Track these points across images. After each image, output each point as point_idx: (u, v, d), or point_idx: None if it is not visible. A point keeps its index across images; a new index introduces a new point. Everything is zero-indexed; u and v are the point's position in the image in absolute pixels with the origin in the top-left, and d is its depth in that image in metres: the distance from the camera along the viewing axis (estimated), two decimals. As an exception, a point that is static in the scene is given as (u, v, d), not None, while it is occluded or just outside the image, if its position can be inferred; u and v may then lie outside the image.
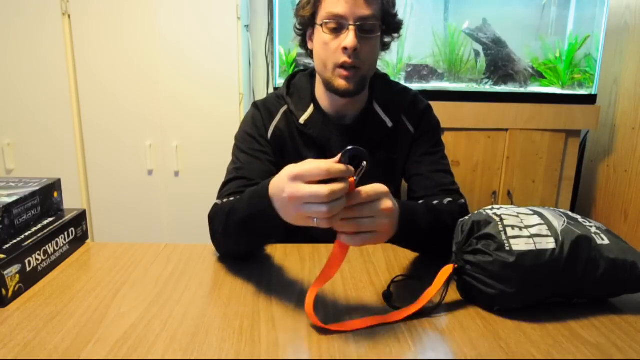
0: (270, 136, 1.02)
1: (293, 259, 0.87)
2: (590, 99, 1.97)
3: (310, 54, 1.03)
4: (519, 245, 0.67)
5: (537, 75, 2.07)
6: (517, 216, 0.72)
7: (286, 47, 1.96)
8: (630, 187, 1.96)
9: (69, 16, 1.72)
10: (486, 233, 0.70)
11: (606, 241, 0.71)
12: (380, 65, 2.01)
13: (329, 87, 0.97)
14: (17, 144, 1.81)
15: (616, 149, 2.04)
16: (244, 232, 0.78)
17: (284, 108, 1.04)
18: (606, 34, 2.00)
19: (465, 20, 2.01)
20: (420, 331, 0.65)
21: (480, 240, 0.71)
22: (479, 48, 2.03)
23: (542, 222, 0.71)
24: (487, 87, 2.04)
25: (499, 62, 2.02)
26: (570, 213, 0.76)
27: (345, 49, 0.91)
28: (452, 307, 0.71)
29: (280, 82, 1.94)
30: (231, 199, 0.86)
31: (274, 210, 0.67)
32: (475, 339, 0.63)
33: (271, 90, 2.08)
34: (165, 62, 1.77)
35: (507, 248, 0.67)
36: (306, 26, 1.00)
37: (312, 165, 0.62)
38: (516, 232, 0.69)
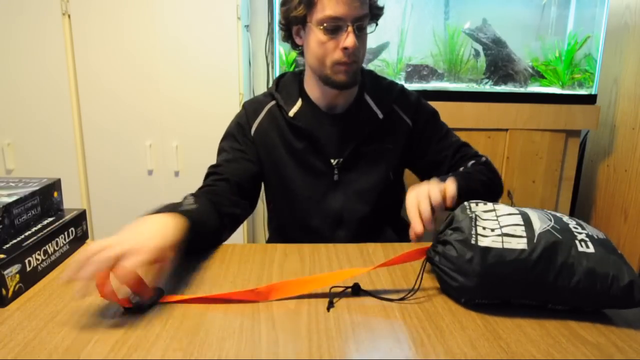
0: (254, 133, 1.06)
1: (293, 259, 0.87)
2: (590, 99, 1.97)
3: (295, 47, 1.07)
4: (485, 242, 0.68)
5: (537, 75, 2.07)
6: (496, 217, 0.72)
7: (286, 47, 1.96)
8: (630, 187, 1.96)
9: (69, 16, 1.72)
10: (457, 226, 0.72)
11: (590, 249, 0.68)
12: (381, 66, 2.01)
13: (327, 82, 1.01)
14: (17, 144, 1.81)
15: (616, 149, 2.04)
16: None
17: (271, 104, 1.08)
18: (606, 34, 2.00)
19: (465, 20, 2.01)
20: (420, 331, 0.65)
21: (452, 232, 0.73)
22: (479, 48, 2.03)
23: (521, 223, 0.70)
24: (487, 87, 2.04)
25: (499, 62, 2.02)
26: (565, 217, 0.75)
27: (345, 48, 0.95)
28: (452, 307, 0.71)
29: (280, 82, 1.94)
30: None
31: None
32: (475, 339, 0.63)
33: (271, 91, 2.08)
34: (165, 62, 1.77)
35: (473, 242, 0.68)
36: (293, 24, 1.02)
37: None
38: (487, 231, 0.69)
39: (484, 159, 1.10)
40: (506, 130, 1.94)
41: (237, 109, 1.84)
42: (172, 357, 0.58)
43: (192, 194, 0.93)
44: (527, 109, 1.91)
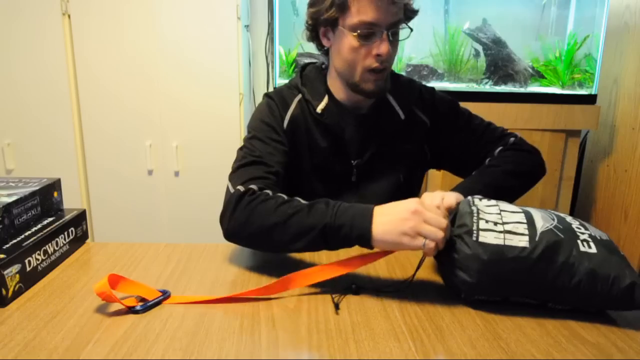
0: (287, 125, 1.00)
1: (293, 259, 0.87)
2: (590, 99, 1.97)
3: (321, 48, 1.03)
4: (487, 238, 0.68)
5: (537, 75, 2.07)
6: (499, 212, 0.72)
7: (286, 47, 1.96)
8: (630, 187, 1.96)
9: (69, 16, 1.72)
10: (460, 222, 0.72)
11: (592, 250, 0.68)
12: (380, 65, 2.01)
13: (356, 89, 0.97)
14: (17, 144, 1.81)
15: (616, 149, 2.04)
16: (309, 237, 0.76)
17: (299, 97, 1.02)
18: (606, 34, 2.00)
19: (465, 20, 2.01)
20: (420, 331, 0.65)
21: (455, 228, 0.73)
22: (479, 48, 2.03)
23: (524, 221, 0.70)
24: (487, 87, 2.04)
25: (499, 62, 2.02)
26: (568, 218, 0.75)
27: (378, 55, 0.91)
28: (452, 307, 0.71)
29: (280, 82, 1.93)
30: (284, 196, 0.82)
31: (369, 226, 0.72)
32: (475, 339, 0.63)
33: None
34: (165, 62, 1.77)
35: (474, 239, 0.68)
36: (322, 25, 0.98)
37: (437, 218, 0.71)
38: (490, 225, 0.69)
39: (512, 139, 1.06)
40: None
41: (237, 109, 1.85)
42: (172, 357, 0.58)
43: (264, 188, 0.86)
44: (527, 109, 1.91)
